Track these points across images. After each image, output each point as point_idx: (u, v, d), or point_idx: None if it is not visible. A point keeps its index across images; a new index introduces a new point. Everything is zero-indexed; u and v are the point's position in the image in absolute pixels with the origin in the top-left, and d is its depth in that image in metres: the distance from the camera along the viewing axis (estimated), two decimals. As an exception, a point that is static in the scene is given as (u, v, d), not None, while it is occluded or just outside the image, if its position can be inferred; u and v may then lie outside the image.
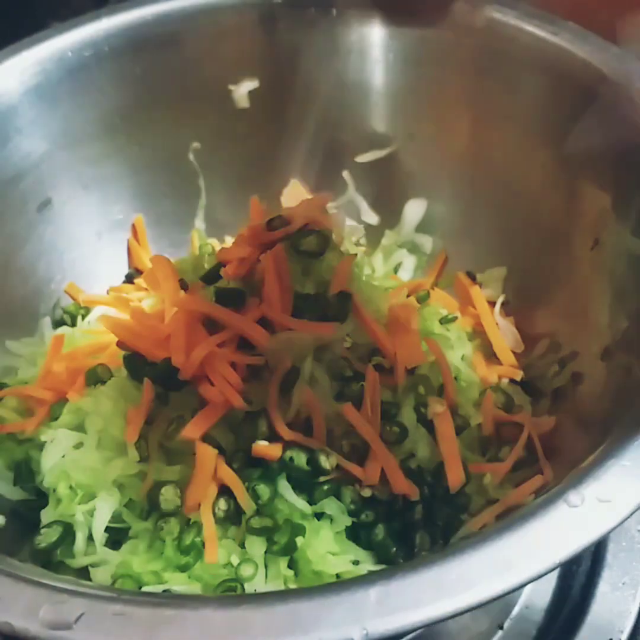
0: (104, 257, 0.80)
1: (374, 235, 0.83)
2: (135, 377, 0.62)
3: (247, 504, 0.56)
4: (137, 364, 0.62)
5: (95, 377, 0.64)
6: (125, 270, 0.81)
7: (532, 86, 0.70)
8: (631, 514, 0.40)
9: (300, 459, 0.57)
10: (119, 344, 0.64)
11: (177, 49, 0.77)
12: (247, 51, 0.79)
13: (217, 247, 0.81)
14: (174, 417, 0.59)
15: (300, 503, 0.57)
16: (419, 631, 0.58)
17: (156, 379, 0.61)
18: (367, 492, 0.58)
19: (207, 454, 0.56)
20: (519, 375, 0.68)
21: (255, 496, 0.56)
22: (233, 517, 0.57)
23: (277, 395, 0.58)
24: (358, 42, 0.77)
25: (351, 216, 0.84)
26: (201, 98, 0.80)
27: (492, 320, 0.72)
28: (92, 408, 0.62)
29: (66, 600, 0.38)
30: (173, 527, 0.57)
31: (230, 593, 0.54)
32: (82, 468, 0.59)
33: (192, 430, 0.57)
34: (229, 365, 0.58)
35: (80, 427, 0.62)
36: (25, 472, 0.63)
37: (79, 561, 0.57)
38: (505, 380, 0.69)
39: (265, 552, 0.56)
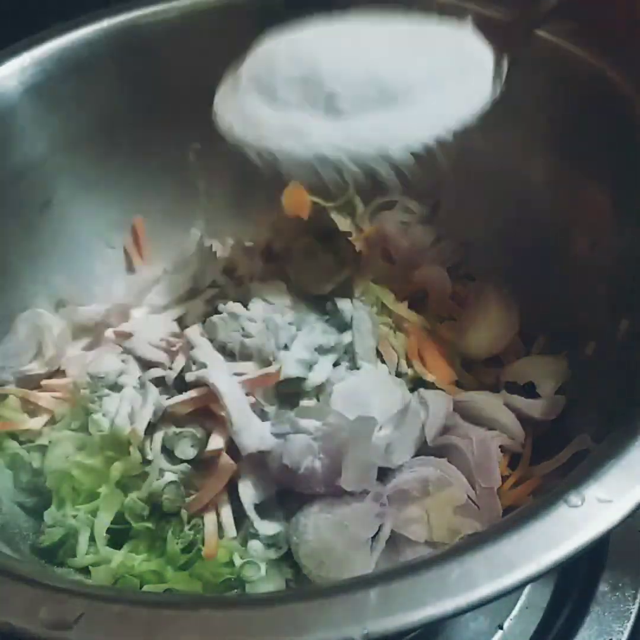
0: (104, 257, 0.80)
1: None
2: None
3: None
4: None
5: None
6: (124, 271, 0.81)
7: (531, 86, 0.70)
8: (631, 515, 0.40)
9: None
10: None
11: (178, 48, 0.77)
12: (247, 51, 0.78)
13: (218, 249, 0.81)
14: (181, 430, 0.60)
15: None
16: (419, 631, 0.58)
17: (159, 382, 0.62)
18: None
19: (227, 465, 0.57)
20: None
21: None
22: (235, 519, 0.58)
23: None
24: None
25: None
26: (201, 98, 0.79)
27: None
28: (95, 409, 0.62)
29: (66, 600, 0.38)
30: (174, 526, 0.57)
31: (231, 592, 0.54)
32: (84, 469, 0.59)
33: (216, 442, 0.58)
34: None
35: (83, 428, 0.62)
36: (26, 473, 0.62)
37: (81, 561, 0.58)
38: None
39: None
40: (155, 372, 0.64)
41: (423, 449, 0.60)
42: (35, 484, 0.62)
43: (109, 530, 0.59)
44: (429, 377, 0.66)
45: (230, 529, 0.57)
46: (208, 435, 0.60)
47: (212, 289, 0.71)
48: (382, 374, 0.64)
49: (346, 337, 0.65)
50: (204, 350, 0.62)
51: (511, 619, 0.64)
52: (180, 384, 0.62)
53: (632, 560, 0.65)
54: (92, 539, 0.58)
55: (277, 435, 0.57)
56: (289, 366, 0.60)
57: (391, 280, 0.76)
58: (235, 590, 0.55)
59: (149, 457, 0.59)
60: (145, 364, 0.65)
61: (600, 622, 0.62)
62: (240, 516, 0.58)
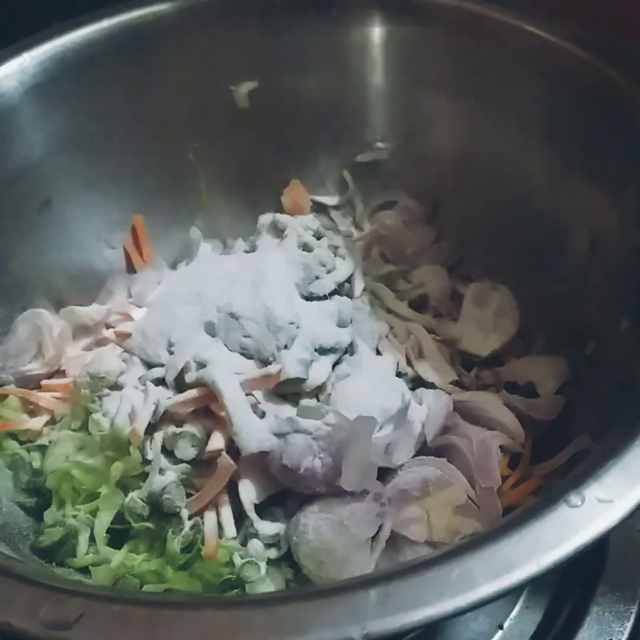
0: (104, 257, 0.80)
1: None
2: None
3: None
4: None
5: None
6: (124, 271, 0.81)
7: (531, 86, 0.70)
8: (631, 514, 0.40)
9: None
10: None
11: (177, 49, 0.77)
12: (247, 51, 0.79)
13: (218, 249, 0.81)
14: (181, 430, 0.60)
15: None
16: (418, 631, 0.58)
17: (159, 382, 0.62)
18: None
19: (227, 466, 0.57)
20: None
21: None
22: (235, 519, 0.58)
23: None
24: (358, 42, 0.77)
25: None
26: (201, 98, 0.80)
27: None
28: (95, 409, 0.62)
29: (66, 600, 0.38)
30: (174, 526, 0.57)
31: (231, 592, 0.54)
32: (84, 469, 0.59)
33: (216, 442, 0.58)
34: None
35: (83, 428, 0.62)
36: (26, 473, 0.62)
37: (81, 561, 0.58)
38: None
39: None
40: (156, 372, 0.64)
41: (423, 449, 0.60)
42: (35, 484, 0.62)
43: (109, 530, 0.59)
44: (429, 377, 0.66)
45: (230, 529, 0.57)
46: (208, 435, 0.60)
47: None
48: (382, 373, 0.64)
49: (346, 337, 0.65)
50: (204, 350, 0.62)
51: (511, 619, 0.64)
52: (181, 384, 0.62)
53: (632, 560, 0.65)
54: (92, 539, 0.58)
55: (277, 435, 0.57)
56: (289, 366, 0.60)
57: (391, 280, 0.76)
58: (235, 590, 0.55)
59: (149, 457, 0.59)
60: (146, 364, 0.65)
61: (600, 622, 0.62)
62: (240, 516, 0.58)
